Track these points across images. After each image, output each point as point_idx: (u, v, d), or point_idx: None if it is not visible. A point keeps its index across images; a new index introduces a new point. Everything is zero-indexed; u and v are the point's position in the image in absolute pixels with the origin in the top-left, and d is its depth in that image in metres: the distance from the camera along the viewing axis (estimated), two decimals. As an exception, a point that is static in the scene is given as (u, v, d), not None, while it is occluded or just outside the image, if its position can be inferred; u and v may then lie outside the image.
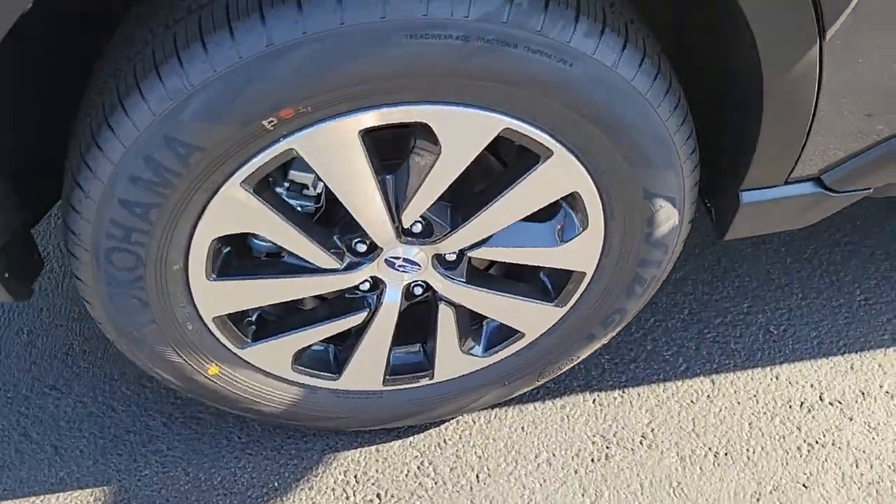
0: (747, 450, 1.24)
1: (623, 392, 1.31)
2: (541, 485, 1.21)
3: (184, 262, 0.92)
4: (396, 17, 0.75)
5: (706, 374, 1.34)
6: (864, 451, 1.24)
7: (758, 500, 1.19)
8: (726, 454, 1.24)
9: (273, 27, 0.75)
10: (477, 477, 1.21)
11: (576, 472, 1.22)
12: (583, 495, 1.19)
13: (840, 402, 1.30)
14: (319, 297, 1.10)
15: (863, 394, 1.31)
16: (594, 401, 1.30)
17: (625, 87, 0.85)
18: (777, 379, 1.33)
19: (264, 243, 0.99)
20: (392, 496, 1.19)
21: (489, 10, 0.77)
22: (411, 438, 1.26)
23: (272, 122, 0.80)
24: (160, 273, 0.92)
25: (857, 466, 1.23)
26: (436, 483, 1.21)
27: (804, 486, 1.20)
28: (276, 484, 1.20)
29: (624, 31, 0.83)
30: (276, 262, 1.01)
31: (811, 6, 0.81)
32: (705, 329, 1.40)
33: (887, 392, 1.31)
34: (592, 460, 1.23)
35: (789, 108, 0.93)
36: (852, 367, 1.35)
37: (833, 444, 1.25)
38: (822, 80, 0.90)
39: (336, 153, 0.85)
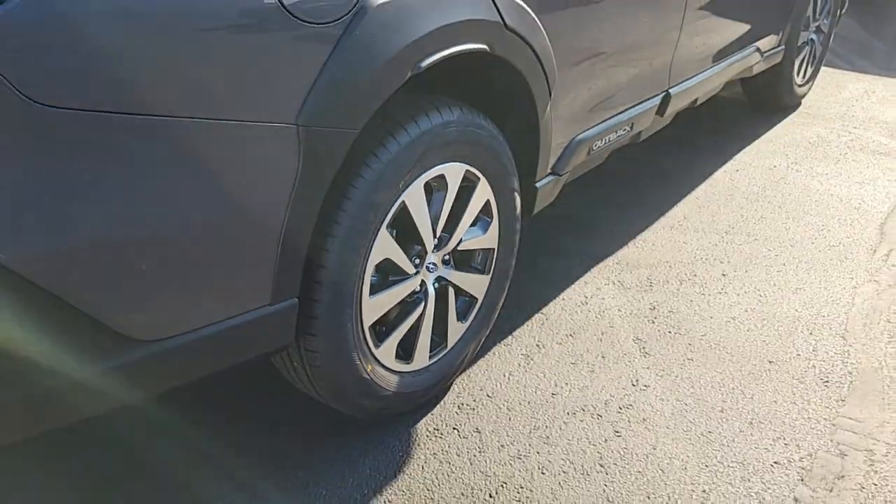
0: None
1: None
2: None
3: (360, 285, 1.66)
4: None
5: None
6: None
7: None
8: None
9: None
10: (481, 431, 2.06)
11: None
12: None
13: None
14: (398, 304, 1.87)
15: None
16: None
17: (500, 138, 1.91)
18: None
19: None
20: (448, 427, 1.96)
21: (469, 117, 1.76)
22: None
23: (403, 184, 1.66)
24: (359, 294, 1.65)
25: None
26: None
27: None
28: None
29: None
30: (387, 280, 1.78)
31: (545, 78, 1.98)
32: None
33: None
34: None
35: (542, 136, 2.09)
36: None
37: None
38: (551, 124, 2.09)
39: (418, 199, 1.73)
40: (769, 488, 1.78)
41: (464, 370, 2.10)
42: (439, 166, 1.75)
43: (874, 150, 3.57)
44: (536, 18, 1.84)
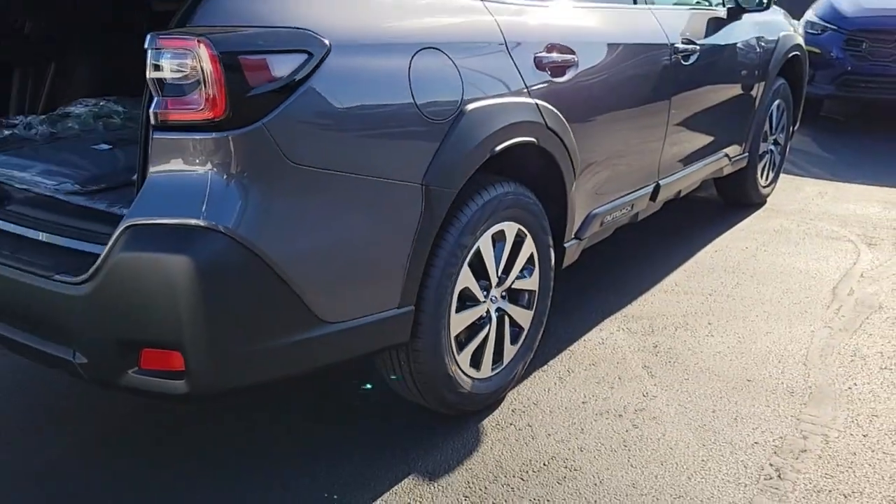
0: (602, 356, 2.99)
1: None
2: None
3: (450, 303, 2.33)
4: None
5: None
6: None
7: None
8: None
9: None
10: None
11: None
12: (572, 389, 2.77)
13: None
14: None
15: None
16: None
17: (540, 207, 2.62)
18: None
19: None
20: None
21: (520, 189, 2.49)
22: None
23: (479, 233, 2.36)
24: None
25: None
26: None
27: (627, 356, 2.99)
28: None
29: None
30: (465, 304, 2.44)
31: (571, 165, 2.72)
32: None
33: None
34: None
35: (569, 208, 2.82)
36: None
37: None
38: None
39: (488, 246, 2.42)
40: (750, 457, 2.39)
41: (514, 385, 2.73)
42: (501, 223, 2.46)
43: (827, 236, 4.33)
44: (567, 123, 2.61)
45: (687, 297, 3.52)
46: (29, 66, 2.88)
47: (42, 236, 2.04)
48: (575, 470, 2.34)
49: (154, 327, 1.76)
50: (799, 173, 5.59)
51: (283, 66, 1.75)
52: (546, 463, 2.37)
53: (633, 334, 3.17)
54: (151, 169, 1.73)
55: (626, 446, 2.45)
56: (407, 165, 2.05)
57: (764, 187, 4.79)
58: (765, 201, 4.86)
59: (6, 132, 2.68)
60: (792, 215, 4.68)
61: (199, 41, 1.64)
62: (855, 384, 2.81)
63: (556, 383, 2.80)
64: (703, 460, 2.38)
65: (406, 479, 2.29)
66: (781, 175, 5.03)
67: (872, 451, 2.43)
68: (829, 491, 2.25)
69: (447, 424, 2.53)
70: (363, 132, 1.94)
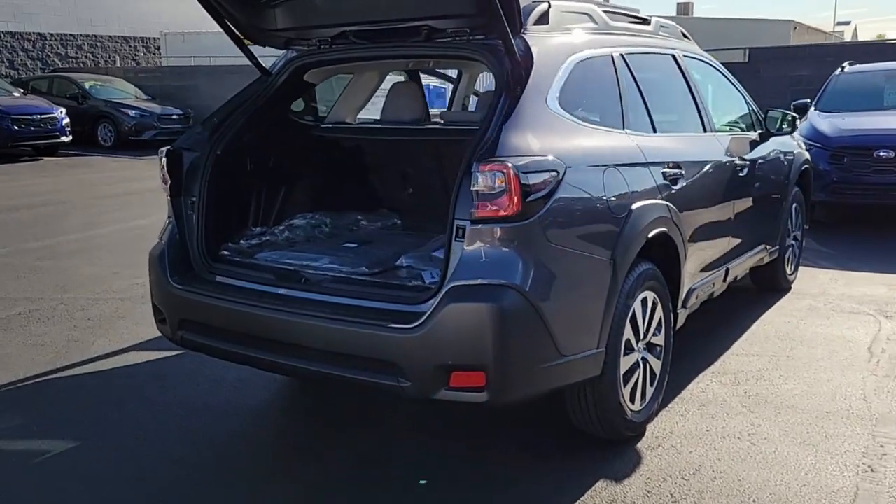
0: (708, 399, 3.83)
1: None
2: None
3: (620, 349, 3.17)
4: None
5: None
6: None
7: (723, 405, 3.75)
8: (706, 402, 3.80)
9: None
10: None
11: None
12: (695, 422, 3.58)
13: (709, 384, 4.00)
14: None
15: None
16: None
17: (664, 281, 3.52)
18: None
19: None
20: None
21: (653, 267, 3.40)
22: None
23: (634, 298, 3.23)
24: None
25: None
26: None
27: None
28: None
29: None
30: (625, 350, 3.27)
31: (684, 249, 3.65)
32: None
33: (713, 379, 4.07)
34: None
35: (681, 282, 3.71)
36: (700, 379, 4.08)
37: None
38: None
39: (639, 308, 3.29)
40: (847, 460, 3.20)
41: (652, 419, 3.53)
42: (644, 292, 3.34)
43: (850, 311, 5.28)
44: (680, 219, 3.56)
45: (756, 358, 4.39)
46: (270, 188, 3.79)
47: (350, 301, 2.86)
48: (720, 472, 3.13)
49: (466, 355, 2.58)
50: (810, 265, 6.59)
51: (546, 181, 2.68)
52: (697, 469, 3.15)
53: (724, 385, 4.01)
54: (465, 248, 2.60)
55: (752, 457, 3.25)
56: (603, 245, 2.95)
57: (790, 275, 5.77)
58: (790, 287, 5.82)
59: (267, 237, 3.57)
60: (817, 297, 5.64)
61: (507, 166, 2.56)
62: (907, 411, 3.68)
63: (680, 418, 3.61)
64: (812, 463, 3.19)
65: (599, 483, 3.06)
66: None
67: (934, 453, 3.26)
68: (911, 477, 3.08)
69: (615, 448, 3.31)
70: (581, 221, 2.85)
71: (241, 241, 3.54)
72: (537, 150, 2.73)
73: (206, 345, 3.20)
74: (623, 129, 3.37)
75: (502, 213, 2.58)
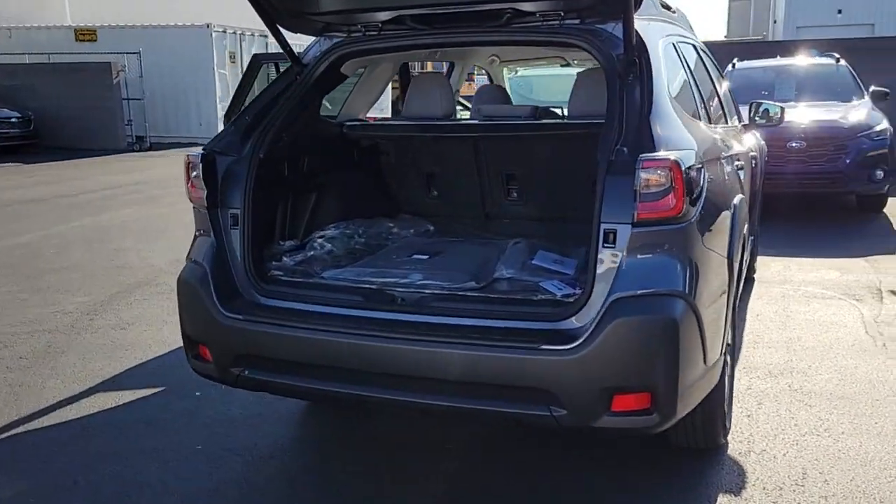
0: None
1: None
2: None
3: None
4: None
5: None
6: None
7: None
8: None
9: None
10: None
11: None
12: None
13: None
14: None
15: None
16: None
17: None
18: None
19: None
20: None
21: None
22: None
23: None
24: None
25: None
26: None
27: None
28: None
29: None
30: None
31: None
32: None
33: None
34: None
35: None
36: (738, 375, 4.00)
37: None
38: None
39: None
40: (932, 447, 3.21)
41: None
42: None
43: (822, 297, 5.44)
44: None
45: (774, 350, 4.38)
46: (300, 196, 3.26)
47: (473, 322, 2.46)
48: (827, 475, 3.02)
49: (633, 375, 2.27)
50: (759, 253, 6.81)
51: (700, 177, 2.43)
52: (804, 474, 3.02)
53: (762, 379, 3.94)
54: (626, 255, 2.29)
55: (845, 454, 3.17)
56: (723, 243, 2.75)
57: (754, 263, 5.90)
58: (754, 276, 5.96)
59: (311, 252, 3.06)
60: (783, 284, 5.79)
61: (673, 160, 2.28)
62: (946, 393, 3.77)
63: (747, 419, 3.49)
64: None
65: (720, 497, 2.86)
66: (755, 254, 6.19)
67: None
68: None
69: (704, 458, 3.13)
70: (714, 219, 2.63)
71: (285, 259, 3.02)
72: (687, 143, 2.48)
73: (271, 382, 2.68)
74: (700, 119, 3.19)
75: (666, 213, 2.30)
